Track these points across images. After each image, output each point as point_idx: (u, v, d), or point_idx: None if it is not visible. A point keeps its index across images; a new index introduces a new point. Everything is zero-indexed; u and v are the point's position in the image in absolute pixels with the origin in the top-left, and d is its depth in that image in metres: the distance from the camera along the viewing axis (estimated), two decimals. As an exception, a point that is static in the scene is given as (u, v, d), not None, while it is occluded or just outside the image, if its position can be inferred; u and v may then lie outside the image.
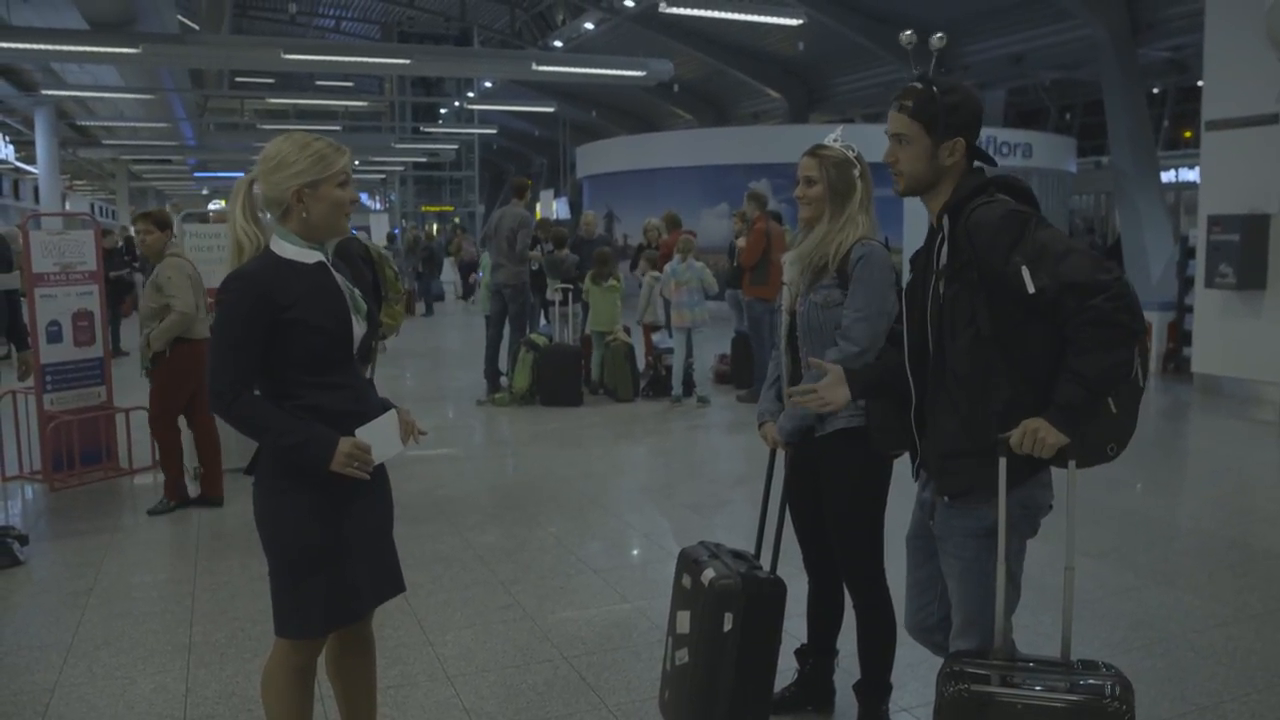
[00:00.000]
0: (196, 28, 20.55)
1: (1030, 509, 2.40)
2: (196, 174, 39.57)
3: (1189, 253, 10.45)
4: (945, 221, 2.39)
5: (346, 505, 2.49)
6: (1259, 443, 7.76)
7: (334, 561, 2.47)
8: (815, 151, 3.03)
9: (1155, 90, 24.61)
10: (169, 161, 35.18)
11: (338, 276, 2.53)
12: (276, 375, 2.41)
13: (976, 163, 2.49)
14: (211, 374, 2.37)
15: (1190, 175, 24.17)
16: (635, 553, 5.28)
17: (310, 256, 2.47)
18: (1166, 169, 23.02)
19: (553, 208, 29.20)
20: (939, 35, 2.62)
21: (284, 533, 2.46)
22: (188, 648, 3.90)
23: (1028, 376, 2.31)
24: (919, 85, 2.44)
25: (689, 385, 9.45)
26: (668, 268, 9.37)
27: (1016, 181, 2.43)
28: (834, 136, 3.07)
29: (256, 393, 2.42)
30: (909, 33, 2.55)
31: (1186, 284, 10.59)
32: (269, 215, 2.49)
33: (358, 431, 2.44)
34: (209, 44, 16.96)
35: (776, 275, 10.06)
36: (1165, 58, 21.12)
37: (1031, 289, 2.20)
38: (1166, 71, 22.80)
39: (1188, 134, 25.54)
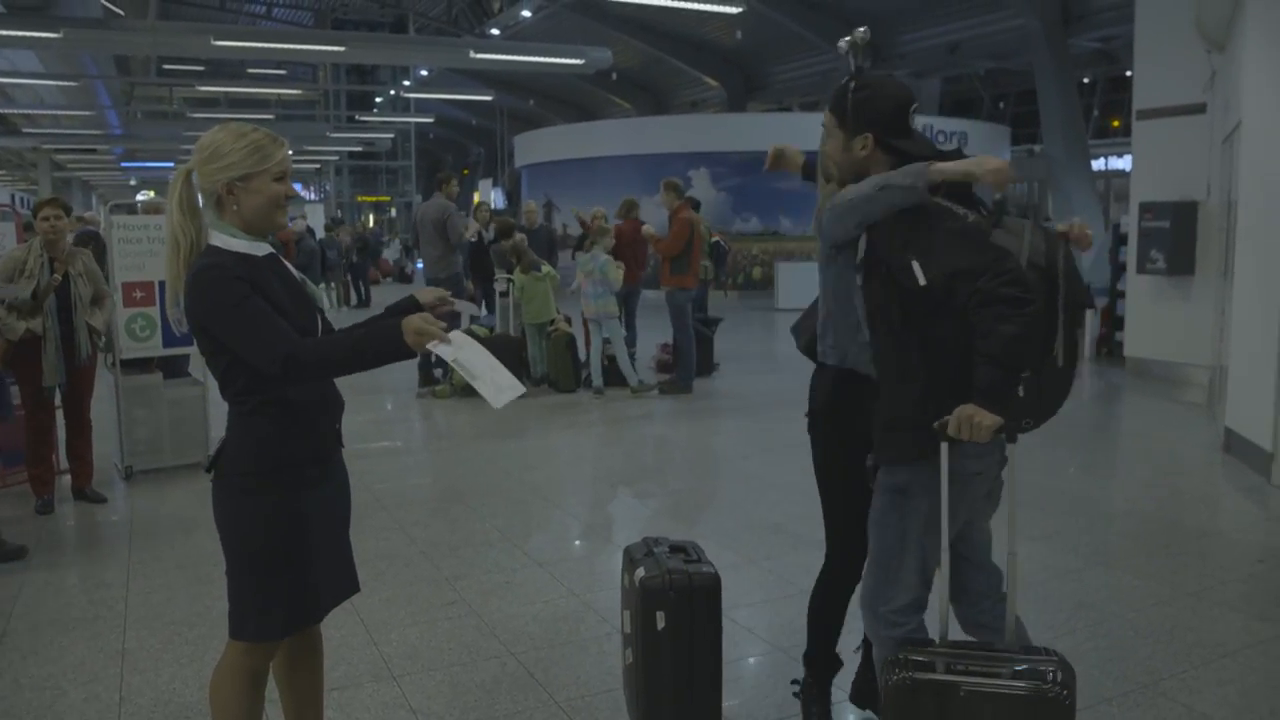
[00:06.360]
0: (121, 12, 19.97)
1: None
2: (123, 164, 38.49)
3: (1121, 239, 10.66)
4: None
5: (310, 503, 2.42)
6: (1188, 424, 7.94)
7: (298, 562, 2.40)
8: None
9: (1085, 80, 25.08)
10: (94, 151, 34.13)
11: (289, 266, 2.48)
12: (243, 369, 2.30)
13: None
14: (262, 354, 2.22)
15: (1119, 163, 24.71)
16: (579, 545, 5.24)
17: (260, 249, 2.39)
18: (1096, 157, 23.49)
19: (490, 196, 28.97)
20: (862, 30, 2.70)
21: (247, 532, 2.37)
22: (121, 654, 3.76)
23: (941, 362, 2.40)
24: (844, 81, 2.58)
25: (585, 376, 9.53)
26: (577, 259, 9.32)
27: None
28: None
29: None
30: (846, 39, 2.62)
31: (1119, 270, 10.81)
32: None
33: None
34: (134, 29, 16.47)
35: (697, 265, 10.05)
36: (1095, 48, 21.55)
37: (922, 282, 2.30)
38: (1096, 61, 23.26)
39: (1115, 123, 26.05)
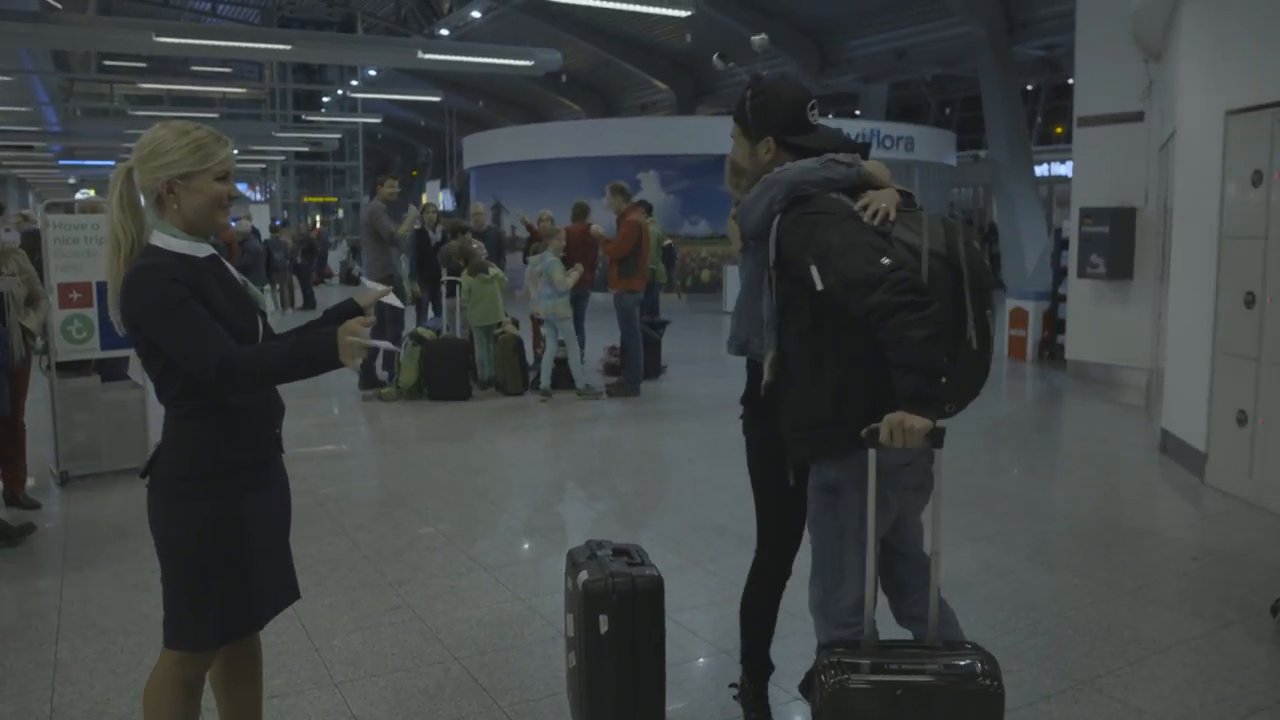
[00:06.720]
0: (59, 6, 19.52)
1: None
2: (61, 162, 37.62)
3: (1063, 244, 10.86)
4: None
5: (249, 509, 2.38)
6: (1126, 425, 8.10)
7: (235, 570, 2.35)
8: None
9: (1029, 87, 25.50)
10: (31, 148, 33.30)
11: (230, 268, 2.43)
12: (180, 372, 2.25)
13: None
14: (197, 359, 2.17)
15: (1061, 169, 25.15)
16: (525, 549, 5.21)
17: (201, 250, 2.34)
18: (1040, 163, 23.91)
19: (439, 198, 28.76)
20: (761, 36, 2.78)
21: (181, 538, 2.31)
22: (53, 665, 3.67)
23: (853, 359, 2.44)
24: (743, 90, 2.67)
25: (533, 379, 9.51)
26: (529, 262, 9.38)
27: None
28: None
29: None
30: (758, 37, 2.69)
31: (1060, 274, 11.01)
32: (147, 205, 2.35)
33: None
34: (73, 24, 16.10)
35: (645, 267, 10.07)
36: (1039, 56, 21.92)
37: (820, 286, 2.35)
38: (1040, 69, 23.65)
39: (1059, 129, 26.52)
